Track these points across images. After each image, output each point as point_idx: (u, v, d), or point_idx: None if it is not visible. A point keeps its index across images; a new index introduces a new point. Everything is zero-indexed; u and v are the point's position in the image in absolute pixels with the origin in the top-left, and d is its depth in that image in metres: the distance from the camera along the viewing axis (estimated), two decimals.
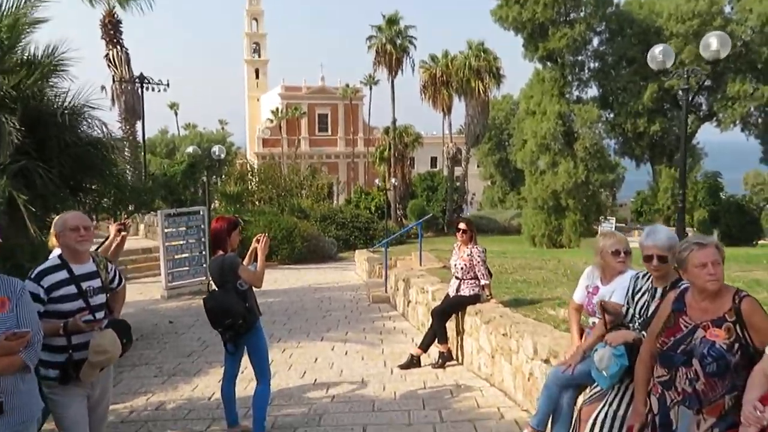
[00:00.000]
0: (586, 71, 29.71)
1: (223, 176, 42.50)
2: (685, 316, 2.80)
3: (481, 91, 42.87)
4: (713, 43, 9.30)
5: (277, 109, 66.41)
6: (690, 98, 30.17)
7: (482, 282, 6.62)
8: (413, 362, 6.76)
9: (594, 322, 4.00)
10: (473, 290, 6.62)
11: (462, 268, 6.62)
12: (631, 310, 3.42)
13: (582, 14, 27.31)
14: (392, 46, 42.35)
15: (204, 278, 13.59)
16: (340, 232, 32.98)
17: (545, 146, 27.82)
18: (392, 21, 42.83)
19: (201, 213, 13.49)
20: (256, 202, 33.03)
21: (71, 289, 3.28)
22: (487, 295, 6.70)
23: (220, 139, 69.61)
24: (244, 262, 4.88)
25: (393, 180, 40.65)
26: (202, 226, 13.38)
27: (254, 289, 4.71)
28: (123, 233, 4.55)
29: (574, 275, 10.17)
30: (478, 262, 6.56)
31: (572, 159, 27.61)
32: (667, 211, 29.01)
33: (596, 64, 29.73)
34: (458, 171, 48.48)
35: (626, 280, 3.61)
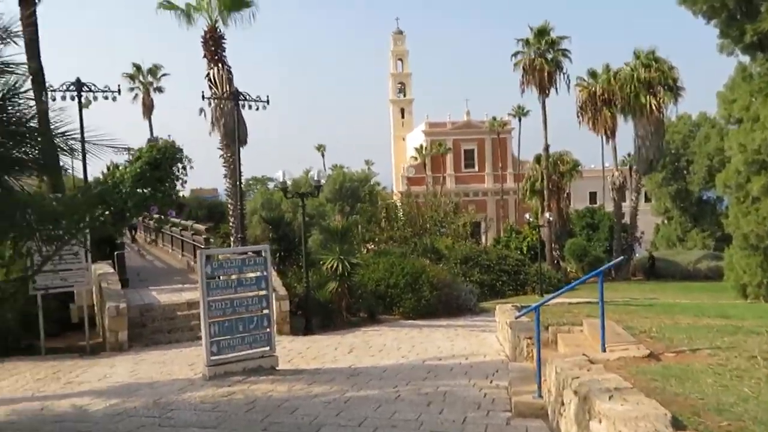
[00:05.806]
0: None
1: (356, 214, 39.57)
2: None
3: (654, 108, 35.79)
4: None
5: (422, 146, 64.26)
6: None
7: None
8: None
9: None
10: None
11: None
12: None
13: None
14: (543, 61, 36.68)
15: (267, 348, 9.39)
16: (484, 276, 28.31)
17: (759, 164, 20.66)
18: (542, 32, 37.28)
19: (263, 254, 9.37)
20: (387, 242, 29.14)
21: None
22: None
23: (364, 179, 68.33)
24: None
25: (547, 215, 34.61)
26: (264, 274, 9.26)
27: None
28: None
29: None
30: None
31: None
32: None
33: None
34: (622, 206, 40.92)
35: None
